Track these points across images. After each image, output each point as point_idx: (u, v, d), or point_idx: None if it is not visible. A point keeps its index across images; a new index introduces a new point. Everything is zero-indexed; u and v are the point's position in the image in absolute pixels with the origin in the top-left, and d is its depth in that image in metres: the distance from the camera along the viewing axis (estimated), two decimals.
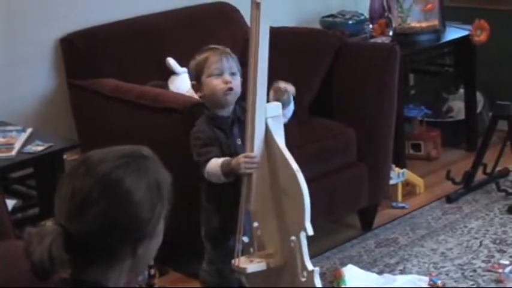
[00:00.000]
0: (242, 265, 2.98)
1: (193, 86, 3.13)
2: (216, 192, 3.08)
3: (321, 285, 2.90)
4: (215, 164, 2.96)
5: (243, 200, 2.96)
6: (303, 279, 2.91)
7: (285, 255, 2.97)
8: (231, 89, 3.03)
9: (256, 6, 2.91)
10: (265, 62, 2.93)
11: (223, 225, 3.11)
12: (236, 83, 3.06)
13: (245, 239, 3.10)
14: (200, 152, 3.01)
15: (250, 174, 2.93)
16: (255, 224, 3.05)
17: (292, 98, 3.05)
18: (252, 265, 2.98)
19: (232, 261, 3.00)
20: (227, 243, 3.12)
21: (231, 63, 3.06)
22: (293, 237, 2.90)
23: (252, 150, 2.94)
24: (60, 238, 1.67)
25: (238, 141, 3.07)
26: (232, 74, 3.06)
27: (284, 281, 3.02)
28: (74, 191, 1.69)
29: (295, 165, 2.89)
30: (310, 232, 2.86)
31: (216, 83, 3.03)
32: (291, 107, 3.07)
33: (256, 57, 2.92)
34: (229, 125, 3.07)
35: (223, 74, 3.04)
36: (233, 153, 3.00)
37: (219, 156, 2.98)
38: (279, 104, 2.99)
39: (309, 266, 2.91)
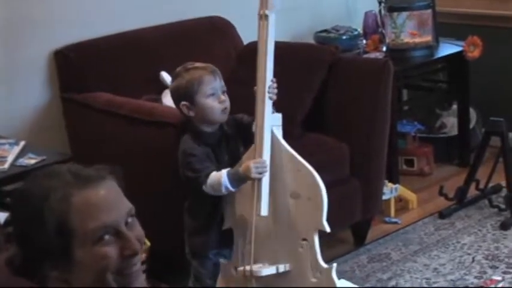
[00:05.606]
0: (255, 269, 2.98)
1: (183, 106, 3.06)
2: (200, 208, 3.11)
3: (337, 281, 2.94)
4: (217, 176, 2.97)
5: (254, 207, 2.98)
6: (314, 280, 2.92)
7: (289, 261, 3.00)
8: (226, 108, 3.06)
9: (264, 18, 3.02)
10: (272, 74, 3.06)
11: (208, 242, 3.13)
12: (227, 100, 3.09)
13: (222, 260, 3.11)
14: (197, 169, 3.01)
15: (260, 180, 2.97)
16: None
17: None
18: (265, 269, 3.00)
19: (240, 267, 3.02)
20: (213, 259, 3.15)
21: (221, 82, 3.09)
22: (302, 241, 2.95)
23: (260, 156, 2.98)
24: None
25: (225, 157, 3.08)
26: (223, 92, 3.09)
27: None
28: None
29: (309, 165, 2.98)
30: (328, 229, 2.94)
31: (214, 104, 3.04)
32: None
33: (264, 69, 3.02)
34: (217, 140, 3.09)
35: (217, 93, 3.06)
36: (219, 169, 3.01)
37: (216, 171, 3.00)
38: (280, 115, 3.07)
39: (323, 264, 2.96)
